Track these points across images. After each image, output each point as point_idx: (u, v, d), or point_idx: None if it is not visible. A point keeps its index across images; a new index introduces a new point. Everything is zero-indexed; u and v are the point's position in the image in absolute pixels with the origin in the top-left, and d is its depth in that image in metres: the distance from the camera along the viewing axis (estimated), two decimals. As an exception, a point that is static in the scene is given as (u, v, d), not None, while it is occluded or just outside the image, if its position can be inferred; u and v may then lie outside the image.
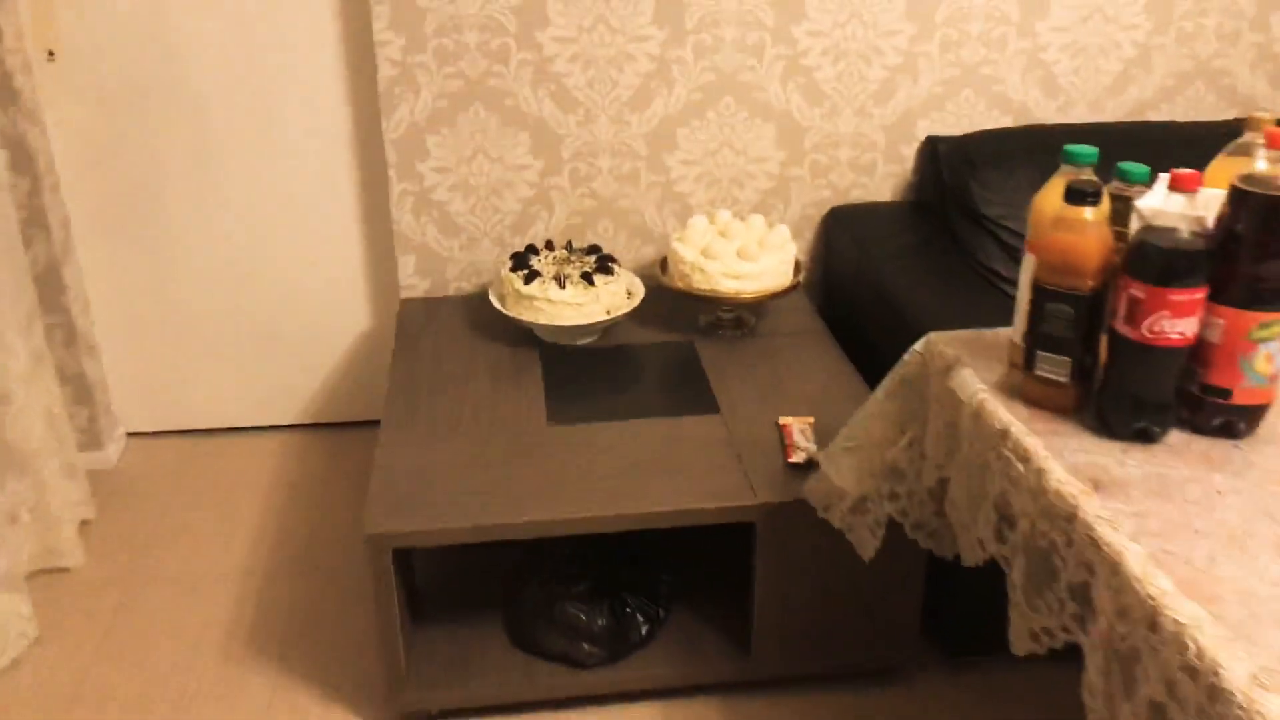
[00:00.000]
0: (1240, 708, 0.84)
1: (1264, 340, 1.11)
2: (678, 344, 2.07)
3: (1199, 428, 1.17)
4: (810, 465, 1.67)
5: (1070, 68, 2.27)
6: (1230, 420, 1.16)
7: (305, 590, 2.05)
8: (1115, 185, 1.22)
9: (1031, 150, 2.14)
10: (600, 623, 1.72)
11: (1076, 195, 1.10)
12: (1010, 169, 2.12)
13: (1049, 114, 2.31)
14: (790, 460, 1.70)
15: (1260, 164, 1.15)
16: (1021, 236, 2.10)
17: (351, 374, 2.51)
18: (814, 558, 1.69)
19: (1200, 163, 1.22)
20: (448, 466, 1.69)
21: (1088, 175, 1.17)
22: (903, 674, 1.85)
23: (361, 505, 2.29)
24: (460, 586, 1.92)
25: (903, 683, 1.84)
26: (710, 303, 2.05)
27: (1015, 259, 2.09)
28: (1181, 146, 2.16)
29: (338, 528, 2.24)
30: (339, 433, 2.57)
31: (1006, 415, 1.22)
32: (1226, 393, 1.14)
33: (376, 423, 2.52)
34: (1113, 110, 2.32)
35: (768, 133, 2.27)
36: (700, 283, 2.01)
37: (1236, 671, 0.86)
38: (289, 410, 2.55)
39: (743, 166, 2.29)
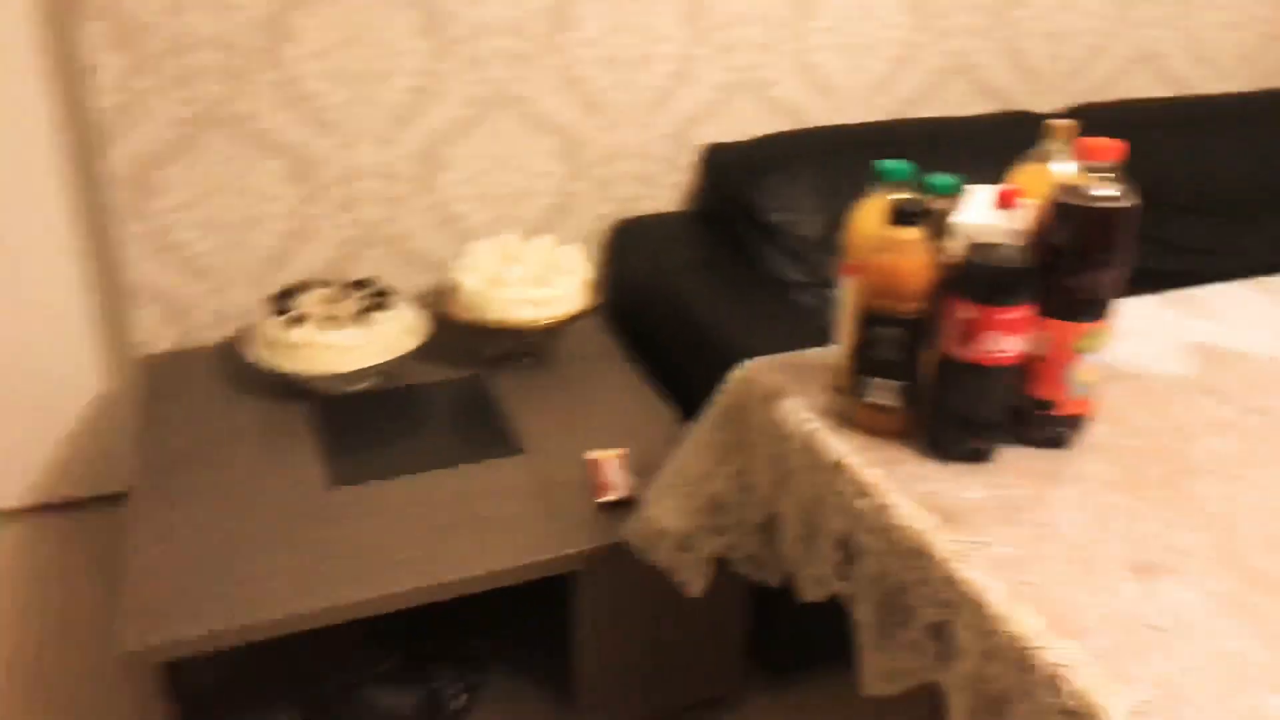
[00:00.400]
0: (1123, 747, 0.80)
1: (1087, 351, 1.09)
2: (468, 380, 1.92)
3: (1028, 441, 1.15)
4: (625, 502, 1.58)
5: (840, 68, 2.28)
6: (1058, 432, 1.14)
7: None
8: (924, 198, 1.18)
9: (812, 154, 2.13)
10: (411, 703, 1.56)
11: (904, 216, 1.05)
12: (793, 174, 2.09)
13: (823, 115, 2.31)
14: (603, 499, 1.59)
15: (1061, 169, 1.14)
16: (807, 241, 2.08)
17: (85, 444, 2.20)
18: (636, 600, 1.59)
19: (972, 159, 1.20)
20: (215, 551, 1.48)
21: (906, 192, 1.12)
22: (732, 701, 1.79)
23: (109, 608, 1.99)
24: (246, 686, 1.70)
25: (732, 710, 1.78)
26: (502, 333, 1.92)
27: (804, 265, 2.07)
28: (951, 143, 2.21)
29: (79, 639, 1.92)
30: (73, 515, 2.23)
31: (840, 446, 1.16)
32: (1050, 404, 1.12)
33: (117, 497, 2.21)
34: (883, 108, 2.35)
35: (546, 147, 2.15)
36: (491, 312, 1.87)
37: (1116, 709, 0.82)
38: (8, 491, 2.20)
39: (522, 184, 2.17)
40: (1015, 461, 1.13)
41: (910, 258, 1.07)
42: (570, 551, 1.50)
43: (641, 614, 1.61)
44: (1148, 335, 1.41)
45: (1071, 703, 0.84)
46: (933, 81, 2.36)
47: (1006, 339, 1.05)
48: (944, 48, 2.34)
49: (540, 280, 1.88)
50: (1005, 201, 1.02)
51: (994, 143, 1.84)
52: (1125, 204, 1.02)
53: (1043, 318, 1.07)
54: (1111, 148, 1.02)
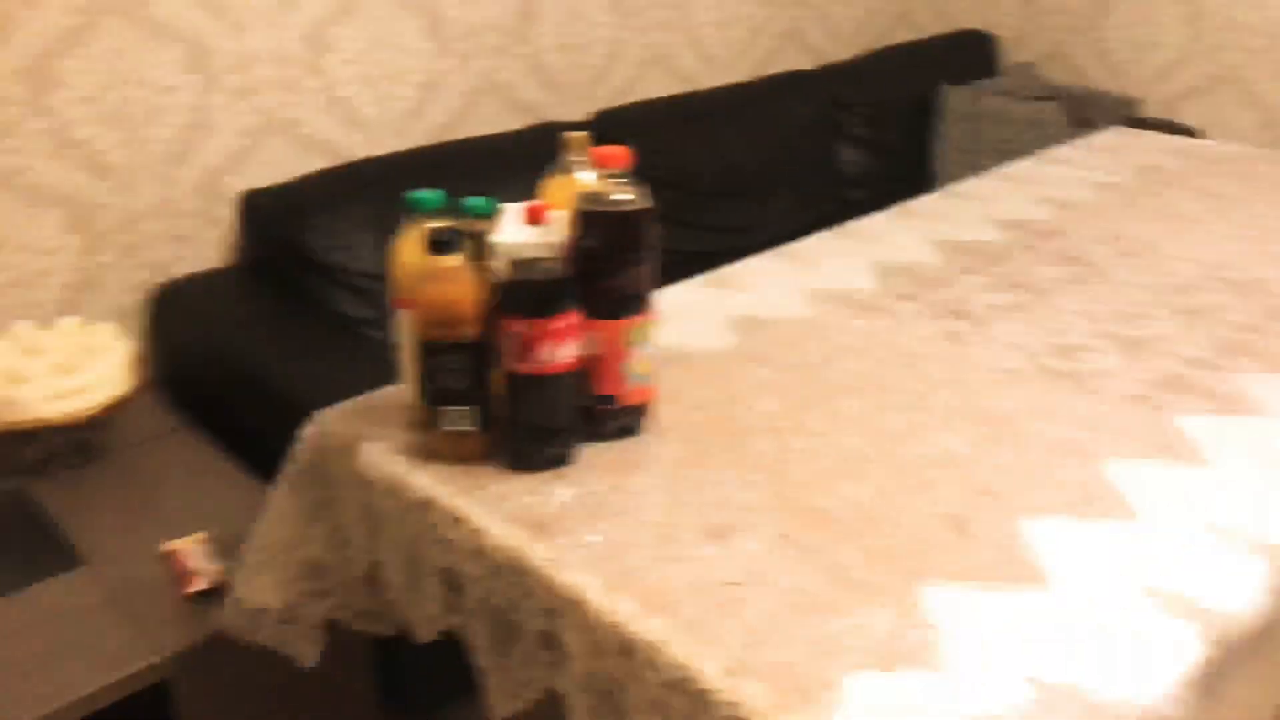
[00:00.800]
0: (726, 704, 0.85)
1: (638, 343, 1.16)
2: (8, 494, 1.69)
3: (601, 436, 1.20)
4: (216, 590, 1.46)
5: (369, 99, 2.26)
6: (626, 423, 1.20)
7: None
8: (463, 222, 1.19)
9: (356, 188, 2.09)
10: None
11: (440, 245, 1.05)
12: (341, 211, 2.04)
13: (360, 148, 2.27)
14: (189, 591, 1.46)
15: (580, 178, 1.20)
16: (368, 276, 2.04)
17: None
18: (249, 686, 1.48)
19: (510, 175, 1.24)
20: None
21: (440, 221, 1.13)
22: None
23: None
24: None
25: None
26: (37, 435, 1.70)
27: (370, 300, 2.03)
28: (477, 161, 2.26)
29: None
30: None
31: (425, 481, 1.14)
32: (615, 399, 1.18)
33: None
34: (421, 134, 2.36)
35: (52, 220, 1.93)
36: (15, 414, 1.65)
37: (711, 671, 0.88)
38: None
39: (26, 265, 1.93)
40: (594, 458, 1.18)
41: (456, 284, 1.08)
42: (157, 659, 1.37)
43: (257, 700, 1.50)
44: (692, 316, 1.53)
45: (670, 675, 0.89)
46: (465, 103, 2.41)
47: (561, 347, 1.08)
48: (471, 69, 2.39)
49: (69, 368, 1.69)
50: (534, 217, 1.05)
51: (531, 156, 1.90)
52: (641, 205, 1.09)
53: (590, 320, 1.12)
54: (620, 155, 1.09)
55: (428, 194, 1.13)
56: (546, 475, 1.14)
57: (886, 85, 3.00)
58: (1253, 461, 1.16)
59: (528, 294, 1.06)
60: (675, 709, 0.90)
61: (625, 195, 1.09)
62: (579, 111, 2.60)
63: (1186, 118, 3.15)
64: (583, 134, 1.22)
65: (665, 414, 1.26)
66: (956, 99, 2.93)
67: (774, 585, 0.97)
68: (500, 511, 1.09)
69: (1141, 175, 2.11)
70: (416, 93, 2.33)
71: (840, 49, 3.19)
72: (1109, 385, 1.32)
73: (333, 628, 1.38)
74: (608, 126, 2.50)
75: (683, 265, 1.71)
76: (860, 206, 3.02)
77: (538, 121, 2.52)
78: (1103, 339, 1.44)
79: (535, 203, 1.06)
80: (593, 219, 1.09)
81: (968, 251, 1.75)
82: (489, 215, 1.17)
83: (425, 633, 1.21)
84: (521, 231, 1.09)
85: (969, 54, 3.27)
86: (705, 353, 1.42)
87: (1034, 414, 1.26)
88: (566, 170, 1.23)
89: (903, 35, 3.36)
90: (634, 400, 1.19)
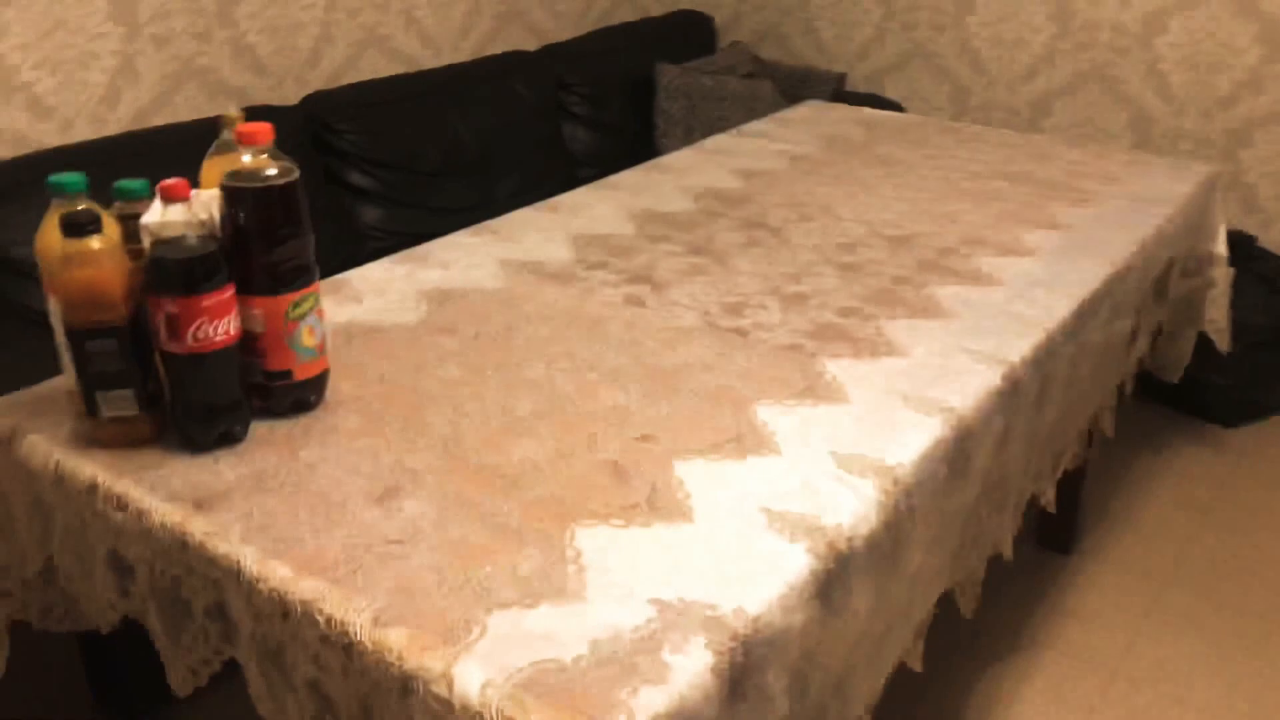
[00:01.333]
0: (371, 651, 0.89)
1: (302, 317, 1.17)
2: None
3: (276, 413, 1.21)
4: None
5: (53, 86, 2.14)
6: (299, 397, 1.21)
7: None
8: (119, 206, 1.17)
9: (40, 179, 1.98)
10: None
11: (74, 228, 1.03)
12: (26, 203, 1.94)
13: (48, 137, 2.16)
14: None
15: (245, 157, 1.20)
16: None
17: None
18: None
19: (199, 159, 1.23)
20: None
21: (84, 204, 1.11)
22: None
23: None
24: None
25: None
26: None
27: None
28: (180, 147, 2.18)
29: None
30: None
31: (90, 469, 1.12)
32: (288, 374, 1.19)
33: None
34: (118, 122, 2.26)
35: None
36: None
37: (360, 621, 0.92)
38: None
39: None
40: (268, 434, 1.19)
41: (99, 267, 1.06)
42: None
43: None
44: (384, 292, 1.55)
45: (324, 630, 0.92)
46: (165, 89, 2.32)
47: (215, 323, 1.09)
48: (168, 54, 2.31)
49: None
50: (171, 194, 1.05)
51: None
52: (284, 179, 1.10)
53: (249, 297, 1.13)
54: (263, 130, 1.10)
55: (65, 178, 1.10)
56: (217, 453, 1.15)
57: (608, 64, 3.10)
58: (882, 396, 1.30)
59: (173, 272, 1.06)
60: (331, 662, 0.93)
61: (269, 171, 1.11)
62: (293, 95, 2.55)
63: (890, 92, 3.40)
64: (237, 113, 1.22)
65: (346, 387, 1.28)
66: (672, 77, 3.06)
67: (434, 540, 1.02)
68: (165, 491, 1.09)
69: (828, 145, 2.27)
70: (107, 78, 2.22)
71: (563, 29, 3.26)
72: (769, 337, 1.44)
73: (29, 638, 1.34)
74: (320, 109, 2.47)
75: (407, 243, 1.73)
76: (589, 183, 3.13)
77: (244, 106, 2.46)
78: (769, 296, 1.56)
79: (172, 181, 1.05)
80: (238, 194, 1.10)
81: (661, 221, 1.84)
82: (143, 197, 1.16)
83: (104, 623, 1.19)
84: (170, 210, 1.08)
85: (687, 34, 3.41)
86: (395, 326, 1.45)
87: (699, 367, 1.35)
88: (227, 149, 1.22)
89: (624, 16, 3.47)
90: (308, 374, 1.21)
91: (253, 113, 2.38)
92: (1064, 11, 3.00)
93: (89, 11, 2.15)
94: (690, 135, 3.04)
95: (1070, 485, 2.18)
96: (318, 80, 2.62)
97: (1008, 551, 1.49)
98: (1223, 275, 2.21)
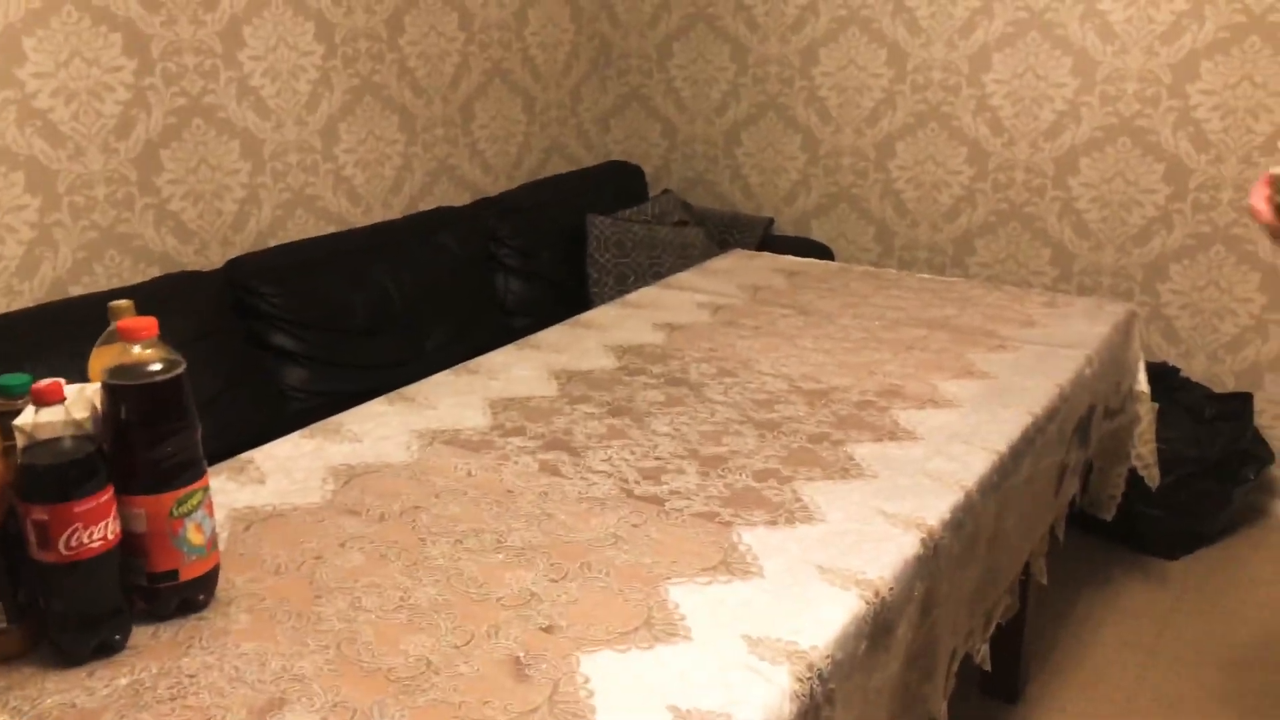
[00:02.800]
0: None
1: (188, 514, 1.12)
2: None
3: (161, 615, 1.15)
4: None
5: (-34, 260, 2.12)
6: (186, 598, 1.16)
7: None
8: (-1, 401, 1.13)
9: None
10: None
11: (-71, 434, 0.99)
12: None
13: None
14: None
15: (135, 348, 1.17)
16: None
17: None
18: None
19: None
20: None
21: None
22: None
23: None
24: None
25: None
26: None
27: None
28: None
29: None
30: None
31: (-51, 689, 1.05)
32: (173, 574, 1.13)
33: None
34: (32, 293, 2.23)
35: None
36: None
37: None
38: None
39: None
40: (150, 640, 1.12)
41: (-34, 473, 1.01)
42: None
43: None
44: (290, 471, 1.51)
45: None
46: (86, 256, 2.30)
47: (91, 529, 1.04)
48: (86, 223, 2.29)
49: None
50: (43, 397, 1.01)
51: (160, 308, 1.83)
52: (167, 374, 1.07)
53: (133, 496, 1.08)
54: (147, 324, 1.07)
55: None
56: (93, 666, 1.08)
57: (540, 216, 3.13)
58: (798, 567, 1.26)
59: (44, 478, 1.01)
60: None
61: (156, 365, 1.07)
62: (218, 258, 2.54)
63: (817, 234, 3.47)
64: (126, 302, 1.19)
65: (239, 581, 1.23)
66: (603, 227, 3.10)
67: (316, 758, 0.96)
68: (37, 711, 1.01)
69: (751, 295, 2.29)
70: (23, 249, 2.20)
71: (495, 183, 3.30)
72: (685, 505, 1.40)
73: None
74: (242, 273, 2.46)
75: (334, 407, 1.69)
76: (524, 334, 3.11)
77: (167, 271, 2.44)
78: (688, 459, 1.53)
79: (47, 381, 1.02)
80: (120, 391, 1.06)
81: (582, 380, 1.83)
82: (22, 394, 1.12)
83: None
84: (44, 412, 1.04)
85: (619, 184, 3.47)
86: (297, 510, 1.40)
87: (611, 542, 1.32)
88: (113, 339, 1.19)
89: (556, 168, 3.53)
90: (195, 573, 1.15)
91: (173, 279, 2.36)
92: (980, 154, 3.09)
93: (3, 188, 2.14)
94: (624, 283, 3.06)
95: (1010, 633, 2.14)
96: (244, 242, 2.61)
97: (941, 718, 1.44)
98: (1146, 411, 2.23)
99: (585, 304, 3.08)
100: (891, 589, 1.24)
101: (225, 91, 2.51)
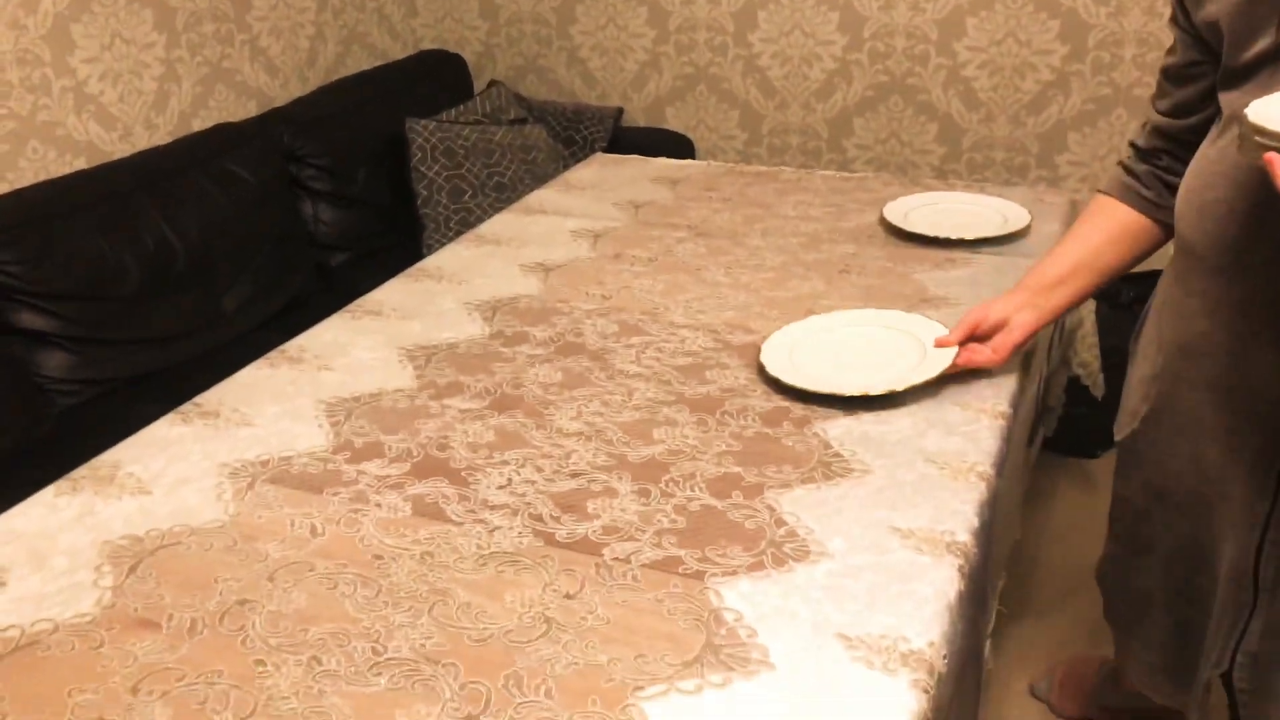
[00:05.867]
0: None
1: None
2: None
3: None
4: None
5: None
6: None
7: None
8: None
9: None
10: None
11: None
12: None
13: None
14: None
15: None
16: None
17: None
18: None
19: None
20: None
21: None
22: None
23: None
24: None
25: None
26: None
27: None
28: None
29: None
30: None
31: None
32: None
33: None
34: None
35: None
36: None
37: None
38: None
39: None
40: None
41: None
42: None
43: None
44: (44, 561, 1.02)
45: None
46: None
47: None
48: None
49: None
50: None
51: None
52: None
53: None
54: None
55: None
56: None
57: (346, 125, 2.57)
58: (811, 649, 0.89)
59: None
60: None
61: None
62: (-75, 215, 1.91)
63: (673, 123, 3.04)
64: None
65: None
66: (427, 133, 2.57)
67: None
68: None
69: (633, 216, 1.87)
70: None
71: (285, 88, 2.71)
72: (629, 549, 1.00)
73: None
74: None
75: (110, 398, 1.20)
76: (344, 272, 2.59)
77: None
78: (613, 471, 1.13)
79: None
80: None
81: (445, 360, 1.38)
82: None
83: None
84: None
85: (437, 78, 2.92)
86: (58, 631, 0.93)
87: (542, 631, 0.91)
88: None
89: (357, 64, 2.95)
90: None
91: None
92: (854, 19, 2.71)
93: None
94: (459, 199, 2.57)
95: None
96: (-38, 189, 1.99)
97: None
98: (1089, 312, 1.96)
99: (416, 229, 2.58)
100: (945, 657, 0.89)
101: (-100, -10, 1.85)
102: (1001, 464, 1.15)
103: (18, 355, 1.90)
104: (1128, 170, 1.21)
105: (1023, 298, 1.24)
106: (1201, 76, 1.07)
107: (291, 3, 2.70)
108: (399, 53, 3.10)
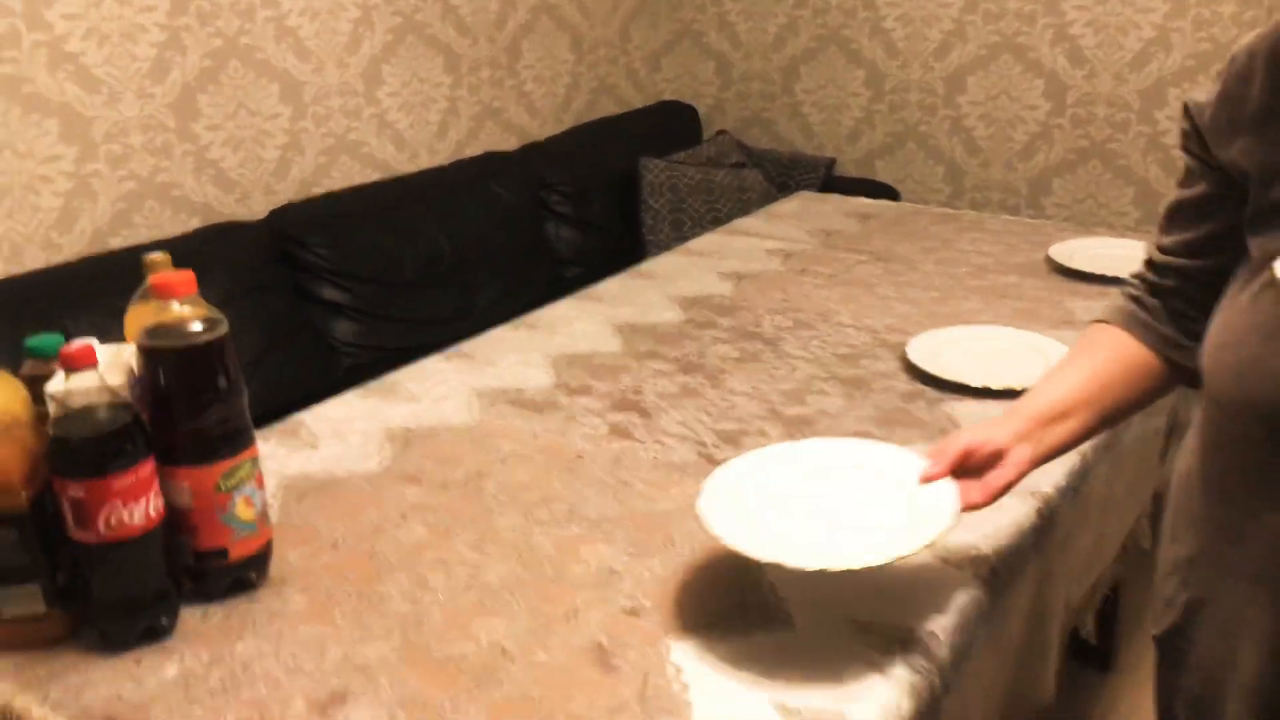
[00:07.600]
0: None
1: (236, 487, 1.02)
2: None
3: (211, 596, 1.05)
4: None
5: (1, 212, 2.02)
6: (240, 577, 1.06)
7: None
8: (30, 365, 1.03)
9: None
10: None
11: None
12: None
13: (-4, 267, 2.03)
14: None
15: (173, 307, 1.06)
16: None
17: None
18: None
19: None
20: None
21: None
22: None
23: None
24: None
25: None
26: None
27: None
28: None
29: None
30: None
31: (-15, 681, 0.96)
32: (223, 552, 1.04)
33: None
34: (72, 246, 2.14)
35: None
36: None
37: None
38: None
39: None
40: (200, 623, 1.03)
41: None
42: None
43: None
44: (344, 435, 1.41)
45: None
46: (126, 206, 2.20)
47: (131, 506, 0.94)
48: (125, 171, 2.19)
49: None
50: (73, 362, 0.90)
51: (202, 261, 1.73)
52: (209, 336, 0.96)
53: (173, 469, 0.99)
54: (181, 282, 0.96)
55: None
56: (140, 652, 0.99)
57: (590, 161, 2.99)
58: (902, 542, 1.14)
59: (78, 452, 0.91)
60: None
61: (196, 325, 0.97)
62: (262, 207, 2.43)
63: (882, 175, 3.30)
64: (161, 255, 1.09)
65: (293, 558, 1.13)
66: (657, 171, 2.95)
67: (385, 761, 0.86)
68: (75, 707, 0.92)
69: (822, 240, 2.15)
70: (60, 201, 2.11)
71: (543, 126, 3.17)
72: (771, 471, 1.29)
73: None
74: (288, 223, 2.35)
75: (387, 362, 1.59)
76: (576, 285, 2.97)
77: (209, 222, 2.34)
78: (769, 420, 1.41)
79: (76, 344, 0.91)
80: (157, 355, 0.96)
81: (647, 335, 1.71)
82: (55, 355, 1.02)
83: None
84: (75, 378, 0.94)
85: (671, 125, 3.32)
86: (353, 476, 1.30)
87: (694, 513, 1.20)
88: (148, 297, 1.08)
89: (605, 110, 3.38)
90: (246, 551, 1.05)
91: (215, 230, 2.26)
92: (1058, 87, 2.91)
93: (36, 134, 2.04)
94: (679, 229, 2.93)
95: (1105, 599, 2.01)
96: (287, 191, 2.50)
97: (1051, 697, 1.32)
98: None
99: (639, 252, 2.95)
100: (1006, 563, 1.12)
101: (262, 32, 2.39)
102: (1100, 444, 1.35)
103: (317, 321, 2.37)
104: (1138, 301, 1.05)
105: (1021, 427, 1.01)
106: (1220, 213, 0.94)
107: (555, 55, 3.16)
108: (641, 102, 3.52)
